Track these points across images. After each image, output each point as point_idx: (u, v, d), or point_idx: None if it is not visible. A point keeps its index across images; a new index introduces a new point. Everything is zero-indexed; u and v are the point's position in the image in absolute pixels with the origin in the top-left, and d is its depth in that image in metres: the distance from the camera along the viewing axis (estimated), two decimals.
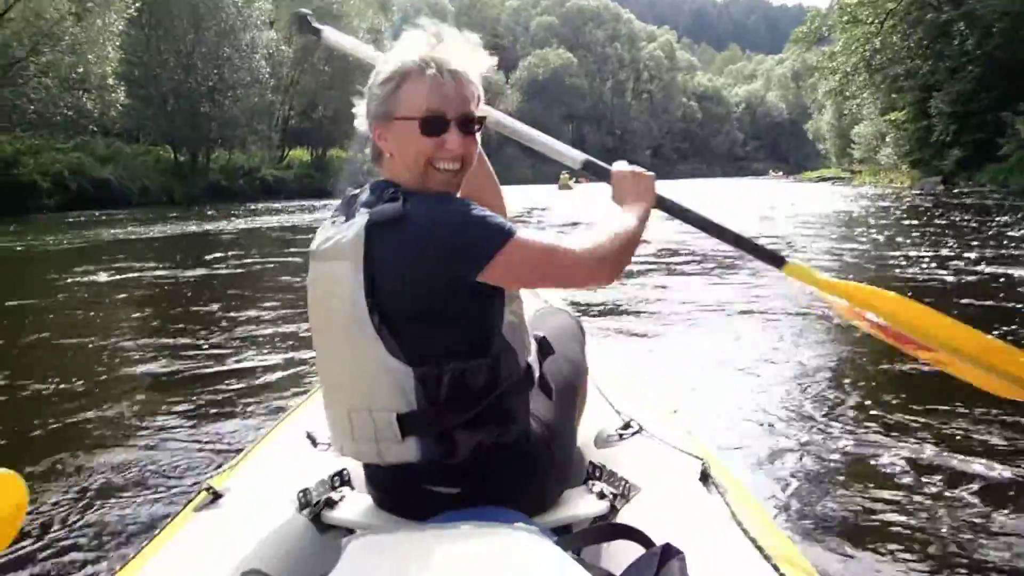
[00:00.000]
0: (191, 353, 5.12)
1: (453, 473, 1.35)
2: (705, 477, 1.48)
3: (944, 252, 10.16)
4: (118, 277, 9.96)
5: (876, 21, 37.73)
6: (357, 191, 1.43)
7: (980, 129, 33.44)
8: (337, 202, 1.47)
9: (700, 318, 6.08)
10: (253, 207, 31.37)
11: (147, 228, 20.03)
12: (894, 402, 3.65)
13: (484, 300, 1.35)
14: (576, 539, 1.29)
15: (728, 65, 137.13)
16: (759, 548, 1.23)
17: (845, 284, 1.76)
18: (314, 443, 1.73)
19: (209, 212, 27.77)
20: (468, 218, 1.30)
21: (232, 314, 6.83)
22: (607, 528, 1.36)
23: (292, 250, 14.01)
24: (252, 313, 6.82)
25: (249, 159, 45.13)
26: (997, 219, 15.93)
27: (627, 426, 1.75)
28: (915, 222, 16.53)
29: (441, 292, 1.30)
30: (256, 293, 8.55)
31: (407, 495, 1.40)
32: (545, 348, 1.54)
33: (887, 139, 44.04)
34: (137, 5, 32.53)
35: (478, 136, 1.45)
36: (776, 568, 1.18)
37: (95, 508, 2.71)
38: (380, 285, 1.29)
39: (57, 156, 30.69)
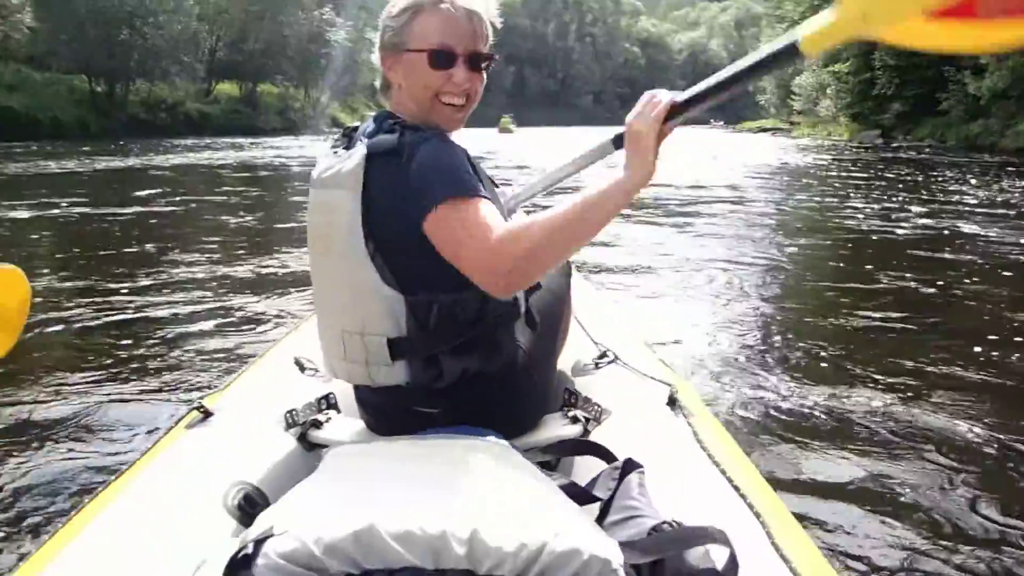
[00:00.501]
0: (127, 298, 4.93)
1: (438, 396, 1.41)
2: (672, 402, 1.55)
3: (889, 205, 10.10)
4: (37, 214, 9.16)
5: None
6: (359, 123, 1.49)
7: (921, 84, 33.51)
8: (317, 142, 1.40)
9: (680, 258, 6.36)
10: (176, 143, 29.70)
11: (61, 162, 18.65)
12: (861, 345, 3.85)
13: None
14: (543, 453, 1.37)
15: (673, 11, 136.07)
16: (718, 466, 1.29)
17: None
18: (302, 368, 1.79)
19: (129, 147, 26.12)
20: (435, 163, 1.32)
21: (169, 257, 6.52)
22: (571, 444, 1.46)
23: (224, 189, 13.12)
24: (188, 257, 6.49)
25: (173, 92, 42.51)
26: (938, 174, 16.06)
27: (603, 355, 1.82)
28: (859, 174, 16.66)
29: (411, 229, 1.32)
30: (189, 234, 8.01)
31: (393, 416, 1.47)
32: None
33: (827, 91, 43.98)
34: None
35: (484, 75, 1.46)
36: (736, 488, 1.22)
37: (79, 433, 2.80)
38: (375, 213, 1.33)
39: None
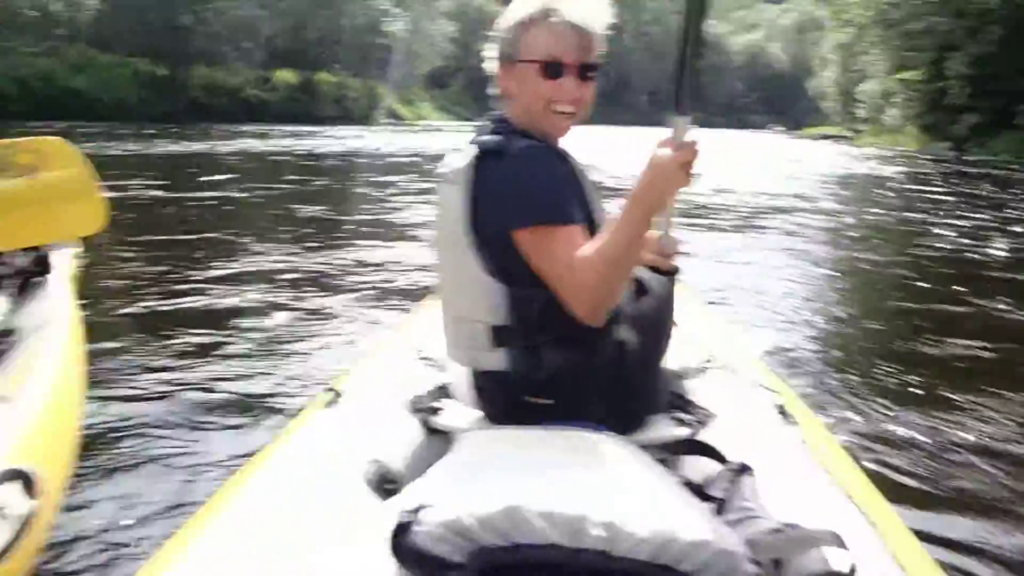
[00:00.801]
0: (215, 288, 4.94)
1: (545, 387, 1.46)
2: (781, 409, 1.56)
3: (973, 222, 9.57)
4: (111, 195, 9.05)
5: None
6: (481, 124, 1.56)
7: (997, 95, 32.07)
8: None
9: (785, 264, 6.30)
10: (236, 128, 29.79)
11: (125, 144, 18.64)
12: (953, 372, 3.70)
13: None
14: (658, 452, 1.40)
15: (732, 12, 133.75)
16: (831, 475, 1.29)
17: None
18: (421, 358, 1.88)
19: (190, 131, 26.23)
20: (533, 181, 1.40)
21: (247, 246, 6.52)
22: (686, 444, 1.49)
23: (290, 177, 12.96)
24: (269, 246, 6.50)
25: (232, 77, 42.83)
26: (1021, 191, 15.05)
27: (708, 361, 1.84)
28: (936, 188, 15.73)
29: (501, 231, 1.41)
30: (263, 223, 8.03)
31: (504, 402, 1.52)
32: (640, 287, 1.61)
33: (894, 99, 42.50)
34: None
35: (594, 84, 1.50)
36: (850, 497, 1.21)
37: (215, 416, 2.88)
38: (481, 209, 1.42)
39: (23, 60, 28.64)
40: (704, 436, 1.52)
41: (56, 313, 2.25)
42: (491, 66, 1.53)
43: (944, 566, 1.67)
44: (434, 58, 61.25)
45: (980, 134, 33.82)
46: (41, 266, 2.42)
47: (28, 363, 1.96)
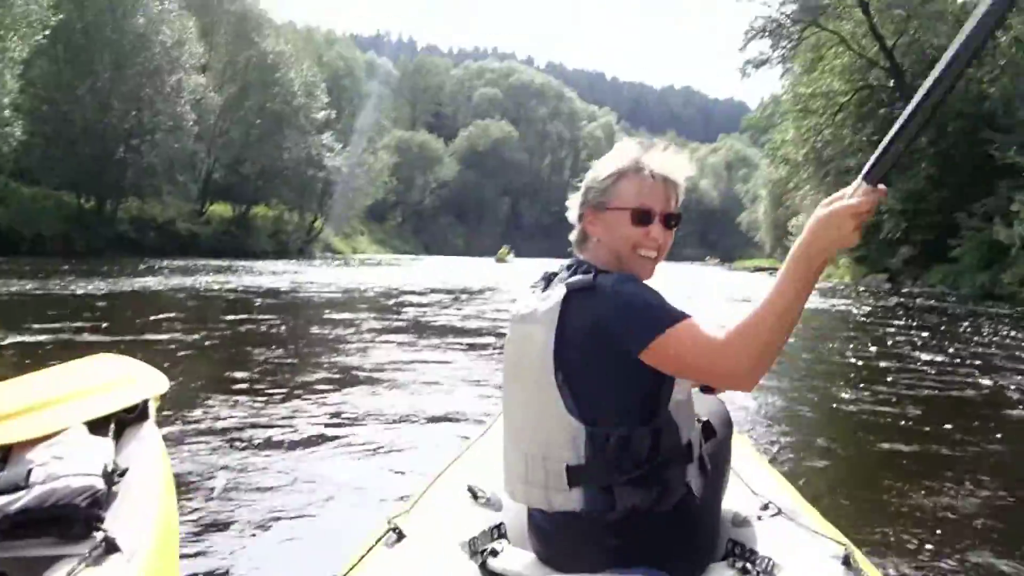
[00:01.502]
0: None
1: (611, 529, 1.46)
2: (848, 561, 1.49)
3: (922, 356, 9.48)
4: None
5: (828, 113, 37.35)
6: (557, 270, 1.63)
7: (930, 229, 32.87)
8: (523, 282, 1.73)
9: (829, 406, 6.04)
10: (165, 264, 28.34)
11: (43, 280, 17.05)
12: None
13: (653, 374, 1.47)
14: None
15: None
16: None
17: None
18: (475, 496, 1.87)
19: (115, 266, 24.73)
20: (642, 298, 1.47)
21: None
22: None
23: (240, 317, 11.67)
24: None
25: (164, 211, 41.56)
26: (963, 323, 15.14)
27: (766, 507, 1.79)
28: (877, 320, 15.73)
29: (613, 361, 1.45)
30: (201, 376, 6.69)
31: (567, 547, 1.52)
32: (708, 430, 1.68)
33: None
34: (47, 33, 29.09)
35: (674, 231, 1.62)
36: None
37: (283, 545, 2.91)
38: (567, 347, 1.46)
39: None
40: None
41: (152, 457, 2.26)
42: (573, 214, 1.65)
43: None
44: (374, 192, 61.28)
45: (914, 266, 34.43)
46: (136, 412, 2.48)
47: (135, 505, 1.88)
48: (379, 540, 1.62)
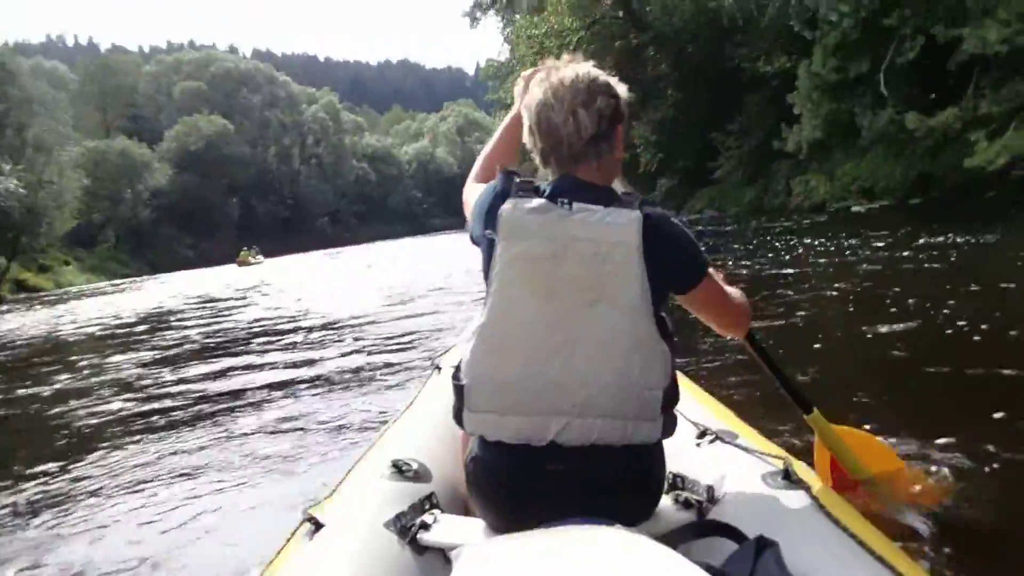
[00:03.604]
0: None
1: (624, 460, 1.45)
2: (788, 475, 1.51)
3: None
4: None
5: (565, 51, 35.56)
6: (538, 183, 1.58)
7: (687, 155, 32.20)
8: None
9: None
10: None
11: None
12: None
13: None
14: (671, 539, 1.31)
15: (393, 125, 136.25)
16: (854, 538, 1.24)
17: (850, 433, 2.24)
18: (400, 471, 1.77)
19: None
20: (691, 239, 1.57)
21: None
22: (700, 526, 1.43)
23: None
24: None
25: None
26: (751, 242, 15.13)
27: (703, 434, 1.84)
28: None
29: (667, 292, 1.55)
30: None
31: (525, 496, 1.45)
32: None
33: None
34: None
35: None
36: (877, 557, 1.17)
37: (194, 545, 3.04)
38: (649, 273, 1.47)
39: None
40: (713, 514, 1.47)
41: None
42: (592, 126, 1.58)
43: None
44: (69, 213, 51.20)
45: (676, 196, 33.78)
46: None
47: None
48: (294, 533, 1.52)
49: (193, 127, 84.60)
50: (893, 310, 6.00)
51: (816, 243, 13.14)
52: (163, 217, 77.99)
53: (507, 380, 1.45)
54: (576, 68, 1.62)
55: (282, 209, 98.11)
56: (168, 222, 78.73)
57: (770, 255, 12.26)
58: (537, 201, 1.51)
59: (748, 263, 11.10)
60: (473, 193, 1.74)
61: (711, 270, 1.60)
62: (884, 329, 5.34)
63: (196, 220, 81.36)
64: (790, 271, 9.87)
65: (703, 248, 1.63)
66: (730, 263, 11.14)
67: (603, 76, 1.62)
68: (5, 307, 32.40)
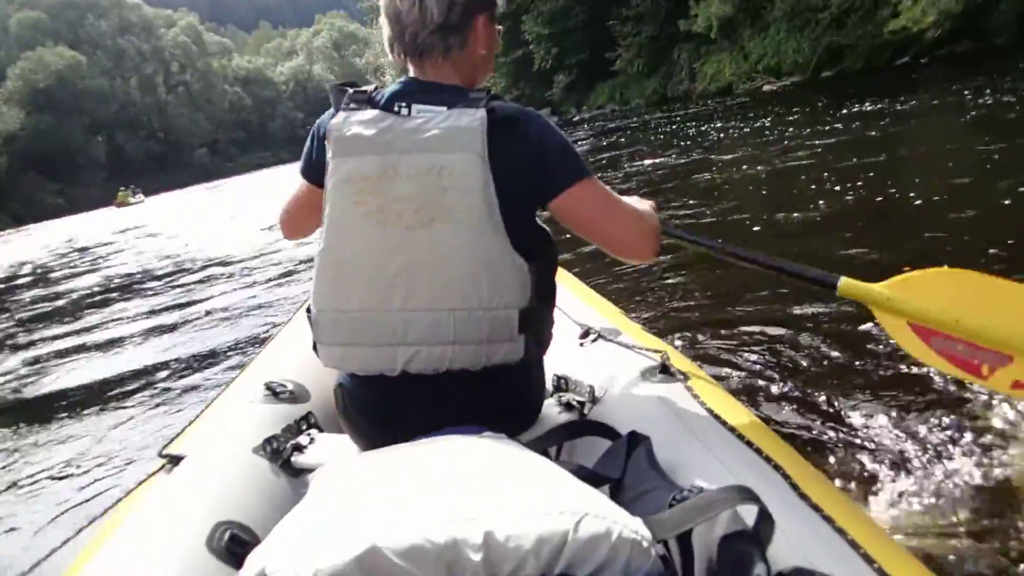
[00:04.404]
0: None
1: (484, 380, 1.36)
2: (665, 369, 1.52)
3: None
4: None
5: None
6: (365, 90, 1.41)
7: (582, 47, 30.89)
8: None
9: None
10: None
11: None
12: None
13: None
14: (543, 441, 1.31)
15: (263, 44, 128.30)
16: (726, 425, 1.26)
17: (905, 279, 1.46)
18: (275, 393, 1.69)
19: None
20: (565, 143, 1.37)
21: None
22: (571, 426, 1.39)
23: None
24: None
25: None
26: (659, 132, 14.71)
27: (586, 334, 1.79)
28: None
29: (527, 201, 1.36)
30: None
31: (399, 417, 1.38)
32: None
33: None
34: None
35: None
36: (749, 444, 1.19)
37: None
38: (499, 182, 1.30)
39: None
40: (594, 413, 1.47)
41: None
42: (439, 14, 1.35)
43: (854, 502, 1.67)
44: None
45: (575, 92, 32.64)
46: None
47: None
48: (148, 476, 1.42)
49: (38, 62, 76.94)
50: (811, 190, 5.84)
51: (729, 127, 12.66)
52: (20, 164, 71.47)
53: (349, 311, 1.35)
54: None
55: (154, 144, 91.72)
56: (27, 169, 72.30)
57: (681, 144, 11.73)
58: (369, 112, 1.35)
59: (659, 158, 10.51)
60: None
61: (589, 178, 1.38)
62: (798, 215, 5.14)
63: (58, 164, 75.00)
64: (704, 158, 9.34)
65: (585, 150, 1.20)
66: (643, 162, 10.56)
67: None
68: None
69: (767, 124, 11.74)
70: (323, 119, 1.43)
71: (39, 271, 15.29)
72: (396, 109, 1.33)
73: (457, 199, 1.28)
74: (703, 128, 13.48)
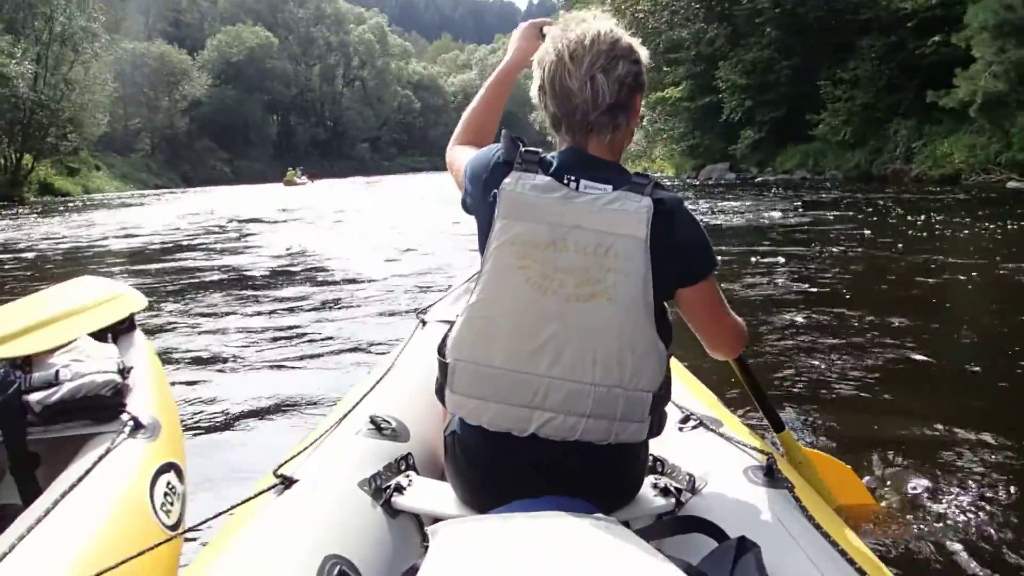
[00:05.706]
0: None
1: (610, 457, 1.39)
2: (771, 472, 1.47)
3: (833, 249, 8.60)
4: None
5: None
6: (543, 154, 1.43)
7: (779, 104, 28.56)
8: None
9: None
10: None
11: None
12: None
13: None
14: (651, 533, 1.29)
15: (441, 54, 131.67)
16: (832, 543, 1.24)
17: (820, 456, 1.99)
18: (379, 429, 1.71)
19: None
20: (706, 237, 1.42)
21: None
22: (681, 521, 1.39)
23: None
24: None
25: None
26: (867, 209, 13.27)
27: (686, 419, 1.77)
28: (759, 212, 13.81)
29: (671, 288, 1.42)
30: None
31: (504, 476, 1.40)
32: None
33: (644, 121, 38.83)
34: None
35: None
36: (853, 563, 1.18)
37: None
38: (653, 269, 1.34)
39: None
40: (691, 504, 1.47)
41: (147, 358, 2.49)
42: (609, 96, 1.40)
43: None
44: (98, 117, 47.74)
45: (759, 151, 30.25)
46: (126, 324, 2.69)
47: (145, 394, 2.19)
48: (262, 492, 1.44)
49: (236, 37, 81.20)
50: None
51: (954, 222, 10.75)
52: (200, 130, 75.29)
53: (492, 368, 1.37)
54: (597, 25, 1.41)
55: (321, 131, 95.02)
56: (205, 135, 76.09)
57: (888, 231, 10.09)
58: (542, 178, 1.39)
59: (854, 241, 9.33)
60: (462, 156, 1.61)
61: (715, 274, 1.46)
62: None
63: (233, 136, 78.59)
64: (914, 255, 8.00)
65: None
66: (834, 247, 8.87)
67: (626, 37, 1.43)
68: (26, 209, 30.15)
69: (1012, 229, 9.87)
70: (486, 159, 1.45)
71: (201, 233, 15.22)
72: (565, 181, 1.37)
73: (619, 279, 1.32)
74: (919, 219, 11.35)
